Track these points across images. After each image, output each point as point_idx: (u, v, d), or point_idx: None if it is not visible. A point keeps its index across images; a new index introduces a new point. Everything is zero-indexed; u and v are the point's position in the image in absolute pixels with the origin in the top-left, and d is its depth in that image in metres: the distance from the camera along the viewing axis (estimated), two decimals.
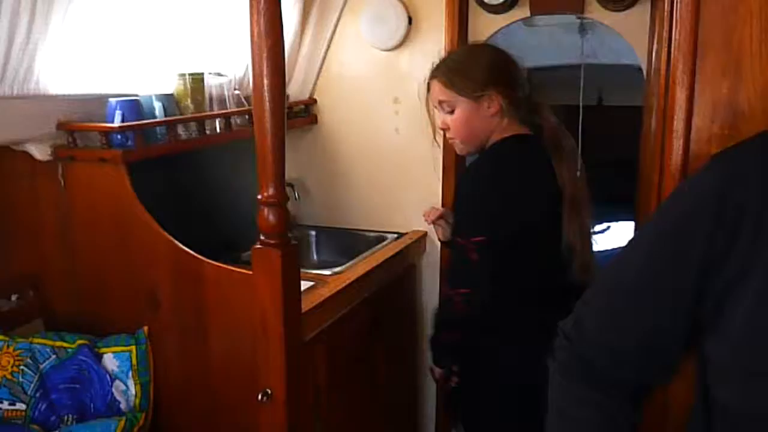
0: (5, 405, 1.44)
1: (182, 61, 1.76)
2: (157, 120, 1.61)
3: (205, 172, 1.94)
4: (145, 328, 1.58)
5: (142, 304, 1.58)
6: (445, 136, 1.62)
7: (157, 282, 1.55)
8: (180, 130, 1.69)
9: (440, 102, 1.52)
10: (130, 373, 1.54)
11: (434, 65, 1.55)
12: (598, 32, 2.42)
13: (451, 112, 1.51)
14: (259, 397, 1.40)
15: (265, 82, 1.25)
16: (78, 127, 1.54)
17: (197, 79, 1.74)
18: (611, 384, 0.84)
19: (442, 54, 1.65)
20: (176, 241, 1.51)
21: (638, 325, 0.80)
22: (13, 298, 1.69)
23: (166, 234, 1.51)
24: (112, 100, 1.55)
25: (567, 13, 1.96)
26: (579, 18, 1.97)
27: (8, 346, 1.48)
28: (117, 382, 1.53)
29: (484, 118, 1.50)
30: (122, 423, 1.43)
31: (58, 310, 1.68)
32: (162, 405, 1.60)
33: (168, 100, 1.67)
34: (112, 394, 1.53)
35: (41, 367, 1.49)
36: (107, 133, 1.51)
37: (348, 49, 2.19)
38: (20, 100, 1.44)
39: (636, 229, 1.83)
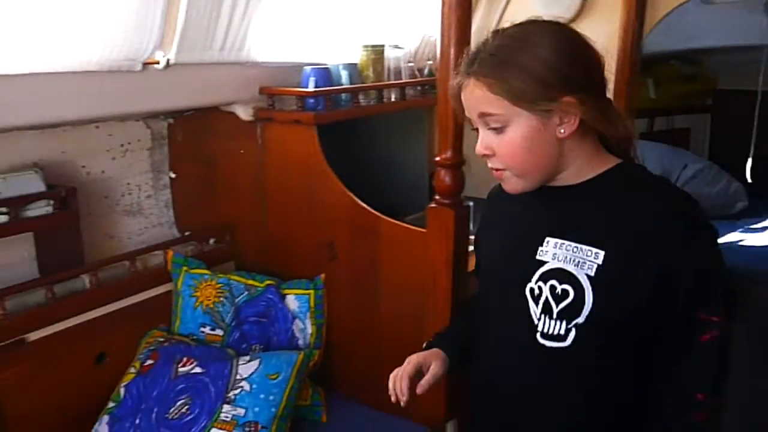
0: (207, 330, 1.68)
1: (366, 34, 1.90)
2: (344, 87, 1.76)
3: (375, 139, 2.08)
4: (323, 275, 1.74)
5: (321, 254, 1.74)
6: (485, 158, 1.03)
7: (336, 235, 1.71)
8: (361, 97, 1.83)
9: (482, 115, 0.97)
10: (308, 314, 1.72)
11: (471, 53, 1.00)
12: None
13: (500, 129, 0.97)
14: (423, 346, 1.51)
15: (452, 51, 1.33)
16: (277, 91, 1.73)
17: (378, 51, 1.88)
18: None
19: (619, 32, 1.47)
20: (356, 198, 1.65)
21: None
22: (211, 241, 1.95)
23: (347, 191, 1.66)
24: (307, 68, 1.72)
25: None
26: None
27: (212, 280, 1.71)
28: (297, 321, 1.72)
29: (554, 142, 0.97)
30: (301, 357, 1.60)
31: (248, 255, 1.90)
32: (333, 346, 1.76)
33: (353, 69, 1.81)
34: (292, 331, 1.71)
35: (236, 300, 1.71)
36: (302, 97, 1.68)
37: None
38: (232, 66, 1.65)
39: None
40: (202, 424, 1.43)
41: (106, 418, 1.46)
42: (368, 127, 2.01)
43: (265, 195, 1.82)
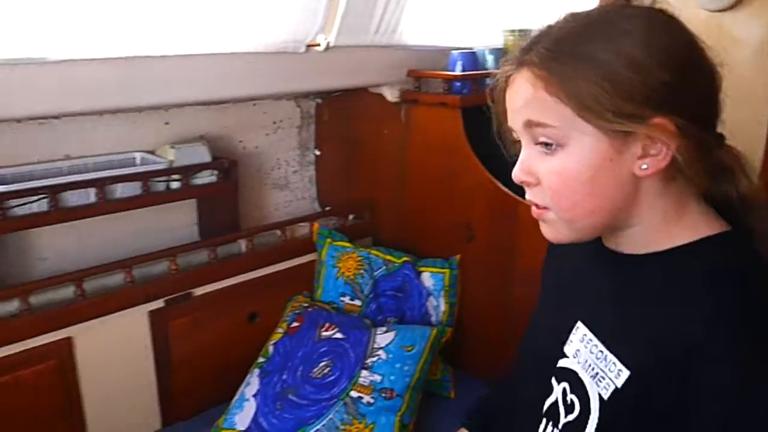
0: (347, 299, 1.78)
1: (511, 17, 1.90)
2: (490, 71, 1.78)
3: None
4: (458, 256, 1.78)
5: (457, 234, 1.78)
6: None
7: (474, 216, 1.73)
8: None
9: (530, 124, 0.69)
10: (442, 293, 1.77)
11: (531, 36, 0.71)
12: None
13: (551, 149, 0.68)
14: None
15: None
16: (425, 74, 1.78)
17: (524, 35, 1.87)
18: None
19: None
20: (497, 182, 1.67)
21: None
22: (351, 217, 2.04)
23: (488, 174, 1.68)
24: (454, 51, 1.75)
25: None
26: None
27: (353, 252, 1.80)
28: (431, 298, 1.77)
29: (625, 180, 0.67)
30: (434, 332, 1.65)
31: (385, 232, 1.98)
32: (463, 325, 1.80)
33: (498, 53, 1.82)
34: (426, 307, 1.77)
35: (375, 274, 1.79)
36: (449, 80, 1.71)
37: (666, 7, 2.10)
38: (383, 49, 1.72)
39: None
40: (343, 386, 1.52)
41: (256, 371, 1.59)
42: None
43: (405, 175, 1.88)
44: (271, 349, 1.63)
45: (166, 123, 1.76)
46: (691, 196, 0.69)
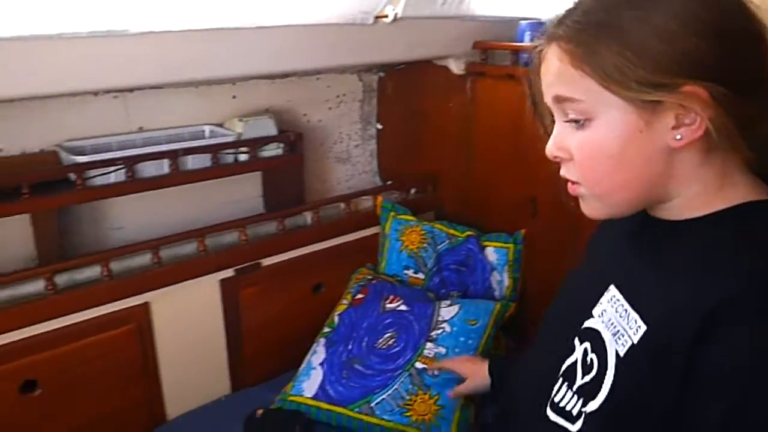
0: (410, 272, 1.78)
1: None
2: None
3: None
4: (523, 231, 1.76)
5: (522, 209, 1.75)
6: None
7: (540, 191, 1.70)
8: None
9: (558, 99, 0.69)
10: (506, 267, 1.75)
11: (564, 11, 0.69)
12: None
13: (581, 124, 0.68)
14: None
15: None
16: (492, 45, 1.74)
17: None
18: None
19: None
20: None
21: None
22: (412, 191, 2.04)
23: None
24: (523, 22, 1.71)
25: None
26: None
27: (416, 226, 1.80)
28: (494, 273, 1.76)
29: (658, 152, 0.65)
30: (498, 307, 1.64)
31: (448, 206, 1.97)
32: (526, 301, 1.78)
33: None
34: (490, 281, 1.76)
35: (438, 247, 1.79)
36: (517, 52, 1.68)
37: None
38: (450, 21, 1.69)
39: None
40: (408, 357, 1.53)
41: (322, 340, 1.62)
42: None
43: (470, 148, 1.86)
44: (336, 319, 1.65)
45: (234, 96, 1.79)
46: (734, 166, 0.66)
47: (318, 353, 1.59)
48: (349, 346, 1.59)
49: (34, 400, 1.34)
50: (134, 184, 1.51)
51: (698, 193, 0.67)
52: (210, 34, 1.40)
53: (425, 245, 1.78)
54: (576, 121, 0.68)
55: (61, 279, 1.38)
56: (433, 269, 1.77)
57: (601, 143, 0.66)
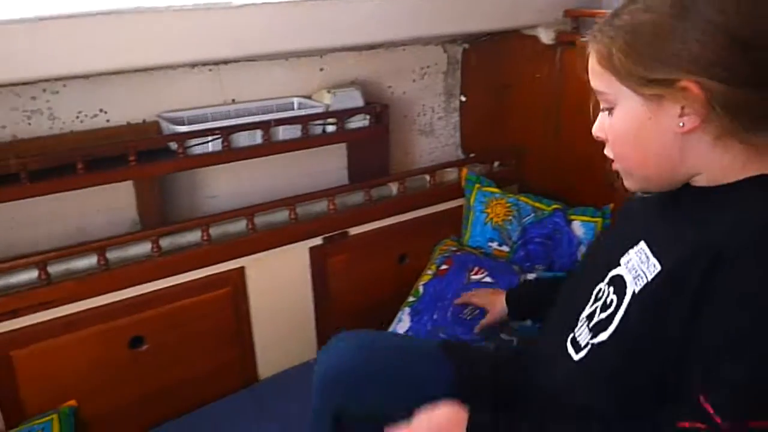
0: (495, 245, 1.78)
1: None
2: None
3: None
4: (611, 205, 1.72)
5: (612, 180, 1.71)
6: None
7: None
8: None
9: (595, 91, 0.83)
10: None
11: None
12: None
13: (610, 111, 0.80)
14: None
15: None
16: (584, 13, 1.69)
17: None
18: None
19: None
20: None
21: None
22: (496, 164, 2.02)
23: None
24: None
25: None
26: None
27: (501, 198, 1.79)
28: (581, 247, 1.73)
29: (668, 137, 0.74)
30: None
31: (532, 179, 1.94)
32: None
33: None
34: (576, 256, 1.73)
35: (523, 220, 1.77)
36: None
37: None
38: None
39: None
40: (492, 328, 1.53)
41: (407, 309, 1.64)
42: None
43: (558, 121, 1.82)
44: (421, 289, 1.67)
45: (321, 69, 1.82)
46: (759, 145, 0.73)
47: (403, 321, 1.62)
48: (434, 316, 1.60)
49: (141, 355, 1.44)
50: (229, 154, 1.56)
51: (722, 167, 0.75)
52: (303, 6, 1.42)
53: (510, 218, 1.77)
54: (608, 109, 0.80)
55: (164, 242, 1.46)
56: (518, 242, 1.76)
57: (621, 127, 0.79)
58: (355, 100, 1.76)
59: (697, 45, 0.69)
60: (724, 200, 0.75)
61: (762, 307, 0.65)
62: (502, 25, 1.76)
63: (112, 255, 1.41)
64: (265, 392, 1.58)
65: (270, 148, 1.62)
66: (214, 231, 1.53)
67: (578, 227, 1.74)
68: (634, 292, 0.78)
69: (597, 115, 0.86)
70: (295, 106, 1.77)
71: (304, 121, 1.66)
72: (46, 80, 1.44)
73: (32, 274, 1.34)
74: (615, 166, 0.85)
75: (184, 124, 1.55)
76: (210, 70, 1.66)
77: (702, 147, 0.74)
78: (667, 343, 0.72)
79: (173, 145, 1.53)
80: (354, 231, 1.69)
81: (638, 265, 0.80)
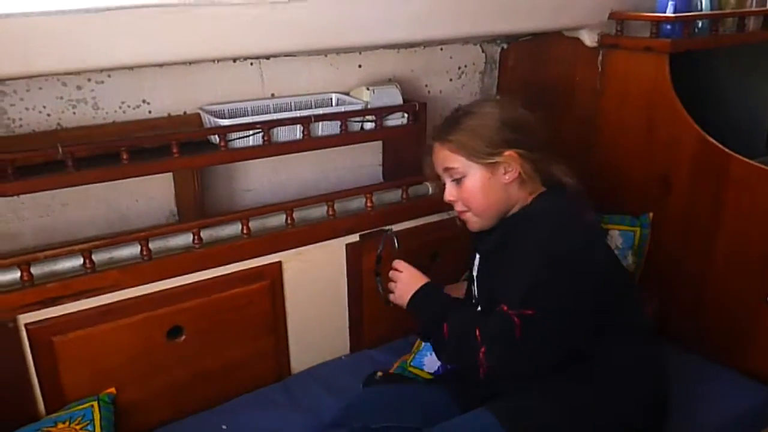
0: None
1: None
2: (705, 13, 1.64)
3: (711, 72, 1.92)
4: (651, 214, 1.69)
5: (652, 187, 1.69)
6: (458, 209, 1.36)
7: (673, 169, 1.64)
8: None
9: (446, 169, 1.30)
10: (630, 251, 1.70)
11: (438, 126, 1.36)
12: None
13: (459, 180, 1.29)
14: None
15: None
16: (631, 16, 1.67)
17: None
18: None
19: None
20: (704, 133, 1.56)
21: None
22: None
23: (694, 124, 1.57)
24: None
25: None
26: None
27: None
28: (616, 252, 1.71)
29: (501, 187, 1.27)
30: None
31: None
32: (653, 282, 1.72)
33: None
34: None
35: None
36: (658, 23, 1.61)
37: None
38: None
39: None
40: None
41: None
42: (705, 58, 1.86)
43: (597, 124, 1.80)
44: None
45: (359, 65, 1.82)
46: (535, 184, 1.30)
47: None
48: None
49: (179, 345, 1.45)
50: (270, 148, 1.57)
51: (521, 199, 1.29)
52: (344, 3, 1.42)
53: None
54: (456, 179, 1.30)
55: (204, 234, 1.47)
56: None
57: (474, 187, 1.28)
58: (394, 97, 1.76)
59: (504, 131, 1.27)
60: (521, 215, 1.29)
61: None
62: (545, 26, 1.75)
63: (154, 245, 1.42)
64: (297, 385, 1.59)
65: (309, 143, 1.62)
66: (253, 224, 1.54)
67: (617, 236, 1.72)
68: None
69: (444, 185, 1.34)
70: (334, 101, 1.77)
71: (343, 117, 1.66)
72: (92, 71, 1.45)
73: (76, 262, 1.35)
74: (466, 215, 1.33)
75: (224, 117, 1.56)
76: (251, 64, 1.67)
77: (515, 190, 1.29)
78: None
79: (214, 138, 1.53)
80: (395, 228, 1.69)
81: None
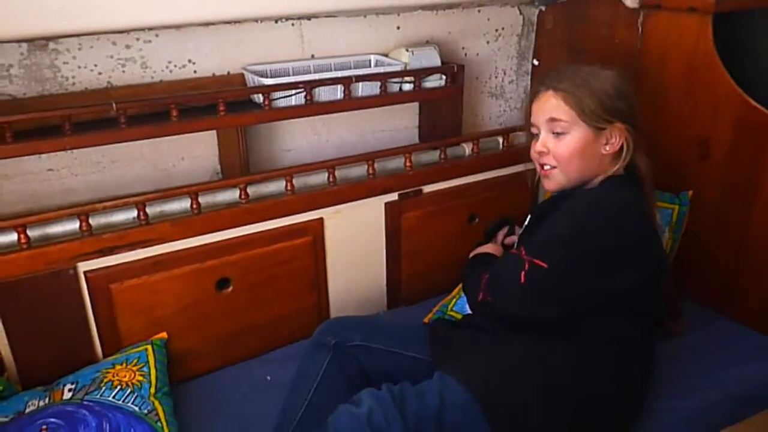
0: None
1: None
2: None
3: (759, 33, 1.89)
4: (690, 192, 1.68)
5: (690, 152, 1.69)
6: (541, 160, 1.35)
7: (713, 133, 1.63)
8: None
9: (551, 119, 1.28)
10: (668, 228, 1.69)
11: (550, 73, 1.33)
12: None
13: (559, 134, 1.28)
14: None
15: None
16: None
17: None
18: None
19: None
20: (748, 97, 1.55)
21: None
22: None
23: (737, 88, 1.56)
24: None
25: None
26: None
27: None
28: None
29: (597, 155, 1.28)
30: None
31: None
32: (691, 250, 1.71)
33: None
34: None
35: None
36: None
37: None
38: None
39: None
40: None
41: None
42: (744, 19, 1.83)
43: (638, 86, 1.79)
44: None
45: (398, 27, 1.83)
46: (620, 165, 1.30)
47: None
48: None
49: (226, 296, 1.51)
50: (311, 108, 1.60)
51: (603, 174, 1.30)
52: None
53: None
54: (558, 134, 1.29)
55: (250, 190, 1.52)
56: None
57: (573, 148, 1.28)
58: (433, 59, 1.77)
59: (621, 101, 1.29)
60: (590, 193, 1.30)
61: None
62: None
63: (202, 200, 1.47)
64: None
65: (350, 103, 1.65)
66: (296, 182, 1.58)
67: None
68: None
69: (534, 136, 1.35)
70: (372, 63, 1.79)
71: (383, 78, 1.68)
72: (141, 29, 1.49)
73: (130, 214, 1.41)
74: (550, 172, 1.32)
75: (267, 77, 1.59)
76: (292, 24, 1.69)
77: (606, 162, 1.30)
78: None
79: (257, 98, 1.57)
80: (428, 189, 1.72)
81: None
